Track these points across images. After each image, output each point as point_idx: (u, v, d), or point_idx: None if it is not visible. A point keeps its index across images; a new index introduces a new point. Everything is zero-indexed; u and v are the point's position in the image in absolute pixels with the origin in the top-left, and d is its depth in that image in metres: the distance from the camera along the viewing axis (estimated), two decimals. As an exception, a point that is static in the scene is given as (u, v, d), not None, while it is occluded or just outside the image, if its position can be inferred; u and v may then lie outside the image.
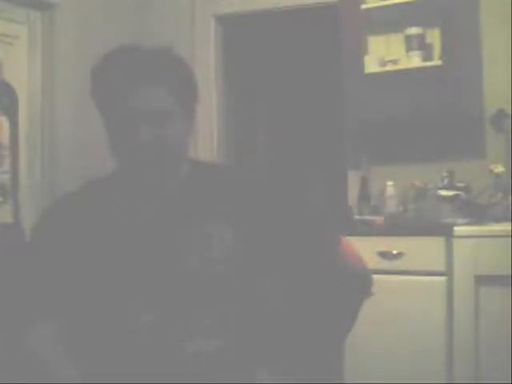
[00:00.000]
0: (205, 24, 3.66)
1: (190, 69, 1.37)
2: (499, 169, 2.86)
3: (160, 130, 1.28)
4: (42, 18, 3.08)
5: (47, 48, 3.08)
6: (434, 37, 3.16)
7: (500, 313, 2.47)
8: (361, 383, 2.59)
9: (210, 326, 1.30)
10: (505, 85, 2.99)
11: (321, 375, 1.42)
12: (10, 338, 1.35)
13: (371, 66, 3.17)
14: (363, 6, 3.12)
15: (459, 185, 2.93)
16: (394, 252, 2.70)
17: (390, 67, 3.16)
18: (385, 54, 3.23)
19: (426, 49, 3.12)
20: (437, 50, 3.15)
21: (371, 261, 2.71)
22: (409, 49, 3.11)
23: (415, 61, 3.09)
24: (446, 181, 3.00)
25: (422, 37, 3.11)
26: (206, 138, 3.53)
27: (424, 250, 2.65)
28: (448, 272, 2.59)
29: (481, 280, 2.52)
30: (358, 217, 3.09)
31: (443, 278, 2.61)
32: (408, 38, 3.12)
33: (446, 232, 2.60)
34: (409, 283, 2.66)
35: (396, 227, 2.84)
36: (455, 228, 2.59)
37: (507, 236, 2.47)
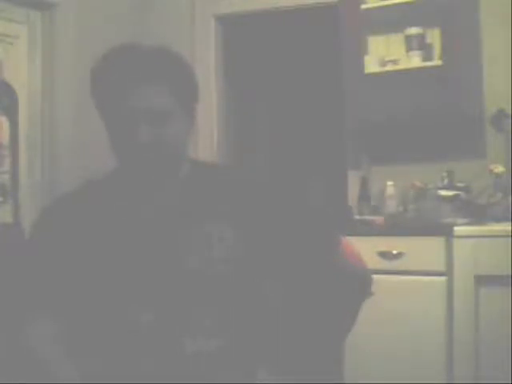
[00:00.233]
0: (205, 24, 3.66)
1: (191, 68, 1.37)
2: (499, 169, 2.86)
3: (160, 130, 1.28)
4: (42, 18, 3.08)
5: (47, 48, 3.08)
6: (434, 37, 3.16)
7: (500, 313, 2.47)
8: (361, 383, 2.59)
9: (210, 325, 1.30)
10: (505, 85, 2.99)
11: (321, 375, 1.42)
12: (10, 338, 1.35)
13: (371, 65, 3.17)
14: (363, 6, 3.12)
15: (459, 185, 2.93)
16: (394, 252, 2.70)
17: (389, 67, 3.16)
18: (385, 53, 3.23)
19: (426, 49, 3.12)
20: (437, 49, 3.15)
21: (371, 261, 2.71)
22: (409, 49, 3.11)
23: (415, 61, 3.09)
24: (445, 181, 3.00)
25: (421, 37, 3.11)
26: (206, 138, 3.53)
27: (424, 250, 2.65)
28: (448, 272, 2.59)
29: (481, 280, 2.52)
30: (357, 217, 3.09)
31: (443, 278, 2.61)
32: (408, 38, 3.12)
33: (446, 232, 2.59)
34: (409, 283, 2.66)
35: (396, 227, 2.84)
36: (455, 228, 2.59)
37: (507, 236, 2.47)
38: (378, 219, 2.94)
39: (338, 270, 1.42)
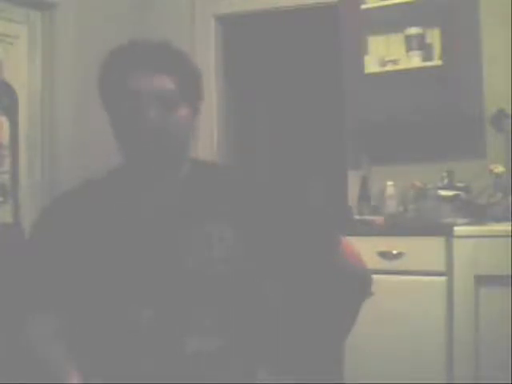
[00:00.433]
0: (205, 24, 3.67)
1: (196, 66, 1.40)
2: (499, 169, 2.86)
3: (167, 116, 1.30)
4: (42, 18, 3.08)
5: (47, 48, 3.08)
6: (434, 37, 3.16)
7: (500, 313, 2.47)
8: (361, 383, 2.59)
9: (210, 325, 1.30)
10: (505, 85, 2.99)
11: (321, 375, 1.42)
12: (11, 336, 1.35)
13: (371, 65, 3.17)
14: (363, 6, 3.12)
15: (459, 185, 2.93)
16: (394, 252, 2.70)
17: (389, 67, 3.16)
18: (385, 53, 3.23)
19: (426, 49, 3.12)
20: (437, 49, 3.15)
21: (371, 261, 2.72)
22: (409, 49, 3.11)
23: (415, 61, 3.09)
24: (445, 181, 3.00)
25: (421, 37, 3.11)
26: (206, 138, 3.53)
27: (424, 250, 2.65)
28: (448, 272, 2.59)
29: (481, 280, 2.52)
30: (357, 217, 3.09)
31: (443, 278, 2.61)
32: (408, 38, 3.12)
33: (446, 232, 2.59)
34: (409, 283, 2.66)
35: (396, 227, 2.84)
36: (455, 228, 2.59)
37: (507, 236, 2.47)
38: (378, 219, 2.94)
39: (338, 270, 1.42)
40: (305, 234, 1.40)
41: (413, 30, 3.10)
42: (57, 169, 3.08)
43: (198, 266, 1.31)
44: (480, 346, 2.50)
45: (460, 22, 3.03)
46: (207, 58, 3.60)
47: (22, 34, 3.01)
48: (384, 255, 2.70)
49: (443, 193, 2.89)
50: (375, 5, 3.11)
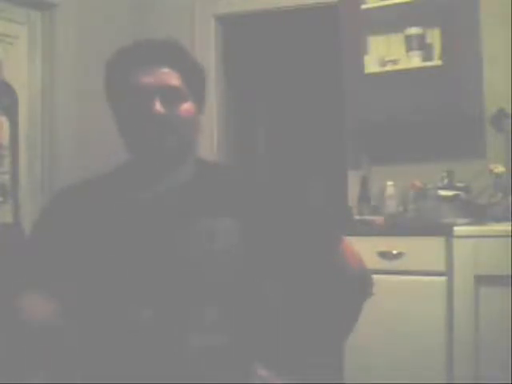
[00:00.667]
0: (205, 24, 3.67)
1: (202, 66, 1.42)
2: (499, 169, 2.86)
3: (171, 110, 1.32)
4: (42, 18, 3.08)
5: (47, 48, 3.09)
6: (434, 37, 3.16)
7: (500, 313, 2.47)
8: (361, 383, 2.59)
9: (212, 321, 1.30)
10: (505, 85, 2.99)
11: (321, 375, 1.42)
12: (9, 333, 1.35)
13: (371, 65, 3.17)
14: (363, 6, 3.12)
15: (459, 185, 2.93)
16: (394, 252, 2.70)
17: (389, 67, 3.16)
18: (385, 53, 3.23)
19: (426, 49, 3.12)
20: (437, 49, 3.15)
21: (371, 261, 2.71)
22: (409, 49, 3.11)
23: (415, 61, 3.09)
24: (445, 181, 3.00)
25: (421, 37, 3.11)
26: (206, 138, 3.53)
27: (424, 250, 2.65)
28: (448, 272, 2.59)
29: (481, 280, 2.52)
30: (358, 217, 3.09)
31: (443, 278, 2.61)
32: (408, 38, 3.12)
33: (446, 232, 2.59)
34: (409, 283, 2.66)
35: (396, 227, 2.84)
36: (455, 228, 2.59)
37: (507, 236, 2.47)
38: (378, 219, 2.94)
39: (338, 270, 1.42)
40: (305, 234, 1.40)
41: (413, 30, 3.10)
42: (57, 169, 3.08)
43: (200, 261, 1.31)
44: (480, 346, 2.50)
45: (460, 21, 3.02)
46: (207, 57, 3.60)
47: (21, 34, 3.01)
48: (384, 255, 2.71)
49: (443, 193, 2.89)
50: (375, 5, 3.11)
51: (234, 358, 1.33)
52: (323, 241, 1.42)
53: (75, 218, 1.37)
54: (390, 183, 3.17)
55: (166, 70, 1.33)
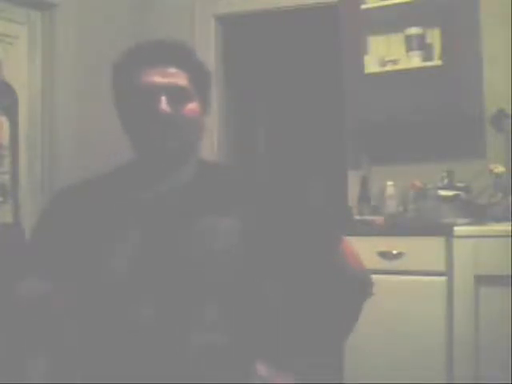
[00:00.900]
0: (205, 24, 3.67)
1: (208, 67, 1.43)
2: (499, 169, 2.86)
3: (177, 109, 1.32)
4: (42, 18, 3.08)
5: (47, 48, 3.08)
6: (434, 37, 3.16)
7: (500, 313, 2.47)
8: (361, 383, 2.59)
9: (210, 320, 1.31)
10: (505, 85, 2.99)
11: (321, 375, 1.42)
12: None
13: (371, 65, 3.17)
14: (363, 6, 3.12)
15: (459, 185, 2.93)
16: (394, 252, 2.70)
17: (389, 67, 3.16)
18: (385, 53, 3.23)
19: (426, 49, 3.12)
20: (437, 49, 3.15)
21: (371, 261, 2.71)
22: (409, 49, 3.11)
23: (415, 61, 3.09)
24: (445, 181, 3.00)
25: (421, 37, 3.11)
26: (206, 138, 3.51)
27: (424, 250, 2.65)
28: (448, 272, 2.59)
29: (481, 280, 2.52)
30: (358, 217, 3.09)
31: (443, 278, 2.61)
32: (408, 38, 3.12)
33: (446, 232, 2.59)
34: (409, 283, 2.66)
35: (396, 227, 2.84)
36: (455, 228, 2.59)
37: (507, 236, 2.47)
38: (378, 219, 2.94)
39: (339, 270, 1.43)
40: (305, 234, 1.40)
41: (413, 30, 3.10)
42: (57, 169, 3.08)
43: (201, 260, 1.31)
44: (480, 346, 2.50)
45: (460, 21, 3.02)
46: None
47: (21, 34, 3.01)
48: (384, 255, 2.71)
49: (443, 193, 2.89)
50: (375, 5, 3.11)
51: (234, 358, 1.33)
52: (323, 241, 1.42)
53: (75, 217, 1.38)
54: (390, 183, 3.17)
55: (173, 69, 1.34)
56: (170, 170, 1.38)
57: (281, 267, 1.42)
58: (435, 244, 2.63)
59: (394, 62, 3.16)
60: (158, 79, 1.32)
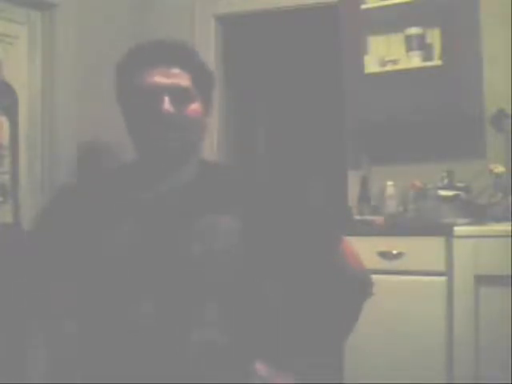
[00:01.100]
0: (205, 24, 3.66)
1: (211, 68, 1.46)
2: (499, 169, 2.85)
3: (180, 110, 1.33)
4: (42, 18, 3.08)
5: (47, 48, 3.08)
6: (434, 37, 3.16)
7: (500, 313, 2.47)
8: (361, 383, 2.59)
9: (210, 319, 1.31)
10: (505, 85, 2.99)
11: (321, 375, 1.42)
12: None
13: (371, 65, 3.17)
14: (363, 6, 3.12)
15: (459, 185, 2.93)
16: (394, 252, 2.70)
17: (389, 67, 3.16)
18: (385, 54, 3.23)
19: (426, 49, 3.12)
20: (437, 49, 3.15)
21: (371, 261, 2.71)
22: (409, 49, 3.11)
23: (415, 61, 3.09)
24: (445, 181, 3.00)
25: (421, 37, 3.11)
26: (206, 138, 3.51)
27: (424, 250, 2.65)
28: (448, 272, 2.59)
29: (481, 280, 2.52)
30: (358, 217, 3.09)
31: (443, 278, 2.61)
32: (408, 38, 3.12)
33: (446, 232, 2.59)
34: (409, 283, 2.66)
35: (396, 227, 2.84)
36: (455, 228, 2.59)
37: (507, 236, 2.47)
38: (378, 219, 2.94)
39: (338, 270, 1.43)
40: (305, 234, 1.41)
41: (413, 30, 3.10)
42: (57, 169, 3.08)
43: (201, 260, 1.32)
44: (480, 346, 2.50)
45: (460, 21, 3.02)
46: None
47: (21, 34, 3.00)
48: (384, 255, 2.71)
49: (443, 193, 2.89)
50: (375, 5, 3.11)
51: (234, 357, 1.33)
52: (323, 241, 1.42)
53: (76, 216, 1.38)
54: (390, 183, 3.17)
55: (176, 70, 1.34)
56: (171, 170, 1.38)
57: (280, 267, 1.43)
58: (435, 244, 2.63)
59: (394, 62, 3.16)
60: (161, 79, 1.32)
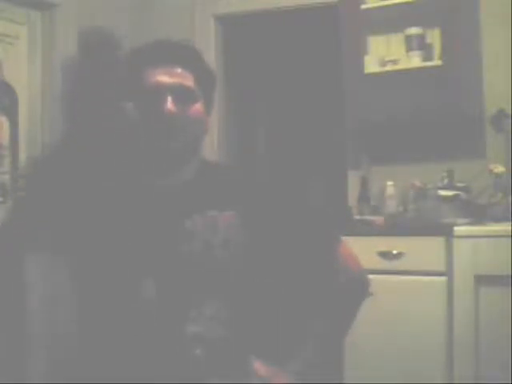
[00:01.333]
0: (205, 24, 3.66)
1: (213, 69, 1.46)
2: (499, 169, 2.86)
3: (183, 109, 1.33)
4: (42, 18, 3.08)
5: (47, 48, 3.08)
6: (434, 37, 3.16)
7: (500, 313, 2.47)
8: (361, 383, 2.59)
9: (209, 313, 1.31)
10: (505, 85, 2.99)
11: (321, 375, 1.42)
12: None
13: (371, 65, 3.17)
14: (363, 6, 3.12)
15: (459, 185, 2.93)
16: (394, 252, 2.70)
17: (389, 67, 3.16)
18: (385, 53, 3.23)
19: (426, 49, 3.12)
20: (437, 49, 3.15)
21: (371, 261, 2.72)
22: (409, 49, 3.11)
23: (415, 61, 3.09)
24: (445, 181, 3.00)
25: (421, 37, 3.11)
26: (206, 138, 3.52)
27: (424, 250, 2.65)
28: (448, 272, 2.59)
29: (481, 280, 2.52)
30: (358, 217, 3.09)
31: (443, 278, 2.60)
32: (408, 38, 3.12)
33: (446, 232, 2.59)
34: (409, 283, 2.66)
35: (396, 227, 2.84)
36: (455, 228, 2.59)
37: (507, 236, 2.47)
38: (378, 219, 2.94)
39: (336, 271, 1.43)
40: (303, 234, 1.41)
41: (413, 30, 3.10)
42: (57, 169, 3.08)
43: (200, 251, 1.32)
44: (480, 346, 2.50)
45: (460, 22, 3.03)
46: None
47: (21, 34, 3.01)
48: (384, 255, 2.71)
49: (443, 193, 2.89)
50: (375, 5, 3.11)
51: (232, 351, 1.33)
52: (321, 241, 1.43)
53: (76, 206, 1.37)
54: (390, 183, 3.17)
55: (180, 70, 1.34)
56: (172, 170, 1.38)
57: (279, 266, 1.43)
58: (435, 244, 2.63)
59: (394, 62, 3.16)
60: (164, 79, 1.32)
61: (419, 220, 2.89)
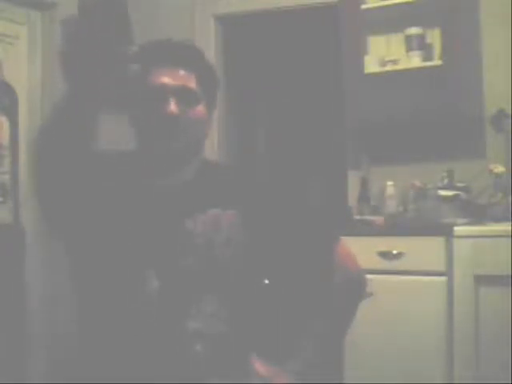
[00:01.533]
0: (205, 24, 3.67)
1: (216, 69, 1.45)
2: (499, 169, 2.86)
3: (187, 108, 1.33)
4: (42, 18, 3.08)
5: (47, 48, 3.09)
6: (434, 37, 3.16)
7: (500, 313, 2.47)
8: (361, 383, 2.59)
9: (209, 309, 1.31)
10: (505, 85, 2.99)
11: (321, 375, 1.42)
12: None
13: (371, 65, 3.17)
14: (363, 6, 3.12)
15: (459, 185, 2.93)
16: (394, 252, 2.70)
17: (389, 67, 3.16)
18: (385, 53, 3.23)
19: (426, 49, 3.12)
20: (437, 49, 3.15)
21: (371, 261, 2.72)
22: (409, 49, 3.11)
23: (415, 61, 3.09)
24: (445, 181, 3.00)
25: (421, 37, 3.11)
26: (207, 138, 3.52)
27: (424, 250, 2.65)
28: (448, 272, 2.59)
29: (481, 280, 2.52)
30: (358, 217, 3.09)
31: (443, 278, 2.61)
32: (408, 38, 3.12)
33: (446, 232, 2.59)
34: (409, 283, 2.66)
35: (396, 227, 2.84)
36: (455, 228, 2.59)
37: (507, 236, 2.47)
38: (378, 219, 2.94)
39: (335, 271, 1.43)
40: (302, 234, 1.41)
41: (413, 30, 3.10)
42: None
43: (202, 250, 1.32)
44: (480, 346, 2.50)
45: (460, 21, 3.03)
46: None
47: (21, 34, 3.01)
48: (384, 255, 2.71)
49: (443, 193, 2.89)
50: (375, 5, 3.11)
51: (232, 348, 1.33)
52: (320, 241, 1.43)
53: (86, 193, 1.37)
54: (390, 183, 3.17)
55: (183, 71, 1.34)
56: (172, 170, 1.38)
57: (278, 265, 1.43)
58: (435, 244, 2.63)
59: (394, 61, 3.16)
60: (168, 81, 1.32)
61: (419, 220, 2.89)
